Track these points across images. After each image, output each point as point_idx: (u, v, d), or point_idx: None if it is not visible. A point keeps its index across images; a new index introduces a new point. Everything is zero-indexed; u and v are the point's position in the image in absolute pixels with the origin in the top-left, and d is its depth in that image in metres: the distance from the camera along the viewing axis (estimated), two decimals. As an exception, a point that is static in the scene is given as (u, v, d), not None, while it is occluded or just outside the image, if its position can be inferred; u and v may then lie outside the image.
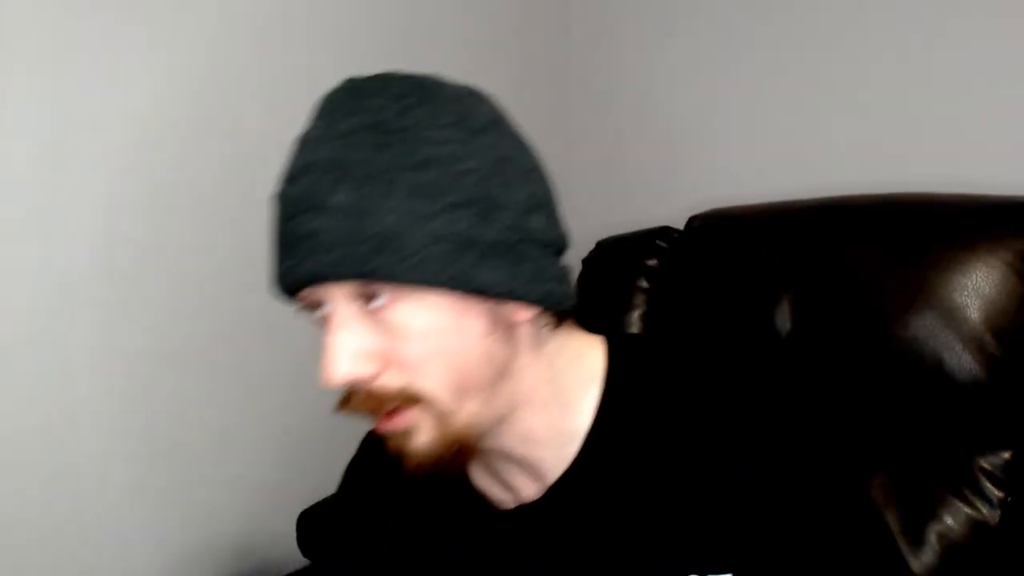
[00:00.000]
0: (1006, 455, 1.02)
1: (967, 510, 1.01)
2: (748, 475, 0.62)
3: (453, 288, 0.59)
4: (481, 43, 1.61)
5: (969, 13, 1.32)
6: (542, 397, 0.66)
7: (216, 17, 1.27)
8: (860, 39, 1.43)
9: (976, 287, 1.03)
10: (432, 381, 0.60)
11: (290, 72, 1.32)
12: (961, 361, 1.02)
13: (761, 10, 1.53)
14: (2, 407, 1.09)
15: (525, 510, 0.69)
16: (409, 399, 0.61)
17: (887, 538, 0.80)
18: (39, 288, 1.12)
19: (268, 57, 1.33)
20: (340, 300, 0.60)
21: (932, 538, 1.00)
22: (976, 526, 1.01)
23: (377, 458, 0.77)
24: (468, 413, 0.62)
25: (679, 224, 1.38)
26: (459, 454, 0.63)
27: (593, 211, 1.51)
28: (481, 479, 0.72)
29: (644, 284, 1.33)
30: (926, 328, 1.04)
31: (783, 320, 1.14)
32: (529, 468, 0.68)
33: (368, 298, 0.60)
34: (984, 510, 1.01)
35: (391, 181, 0.58)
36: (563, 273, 0.66)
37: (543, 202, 0.64)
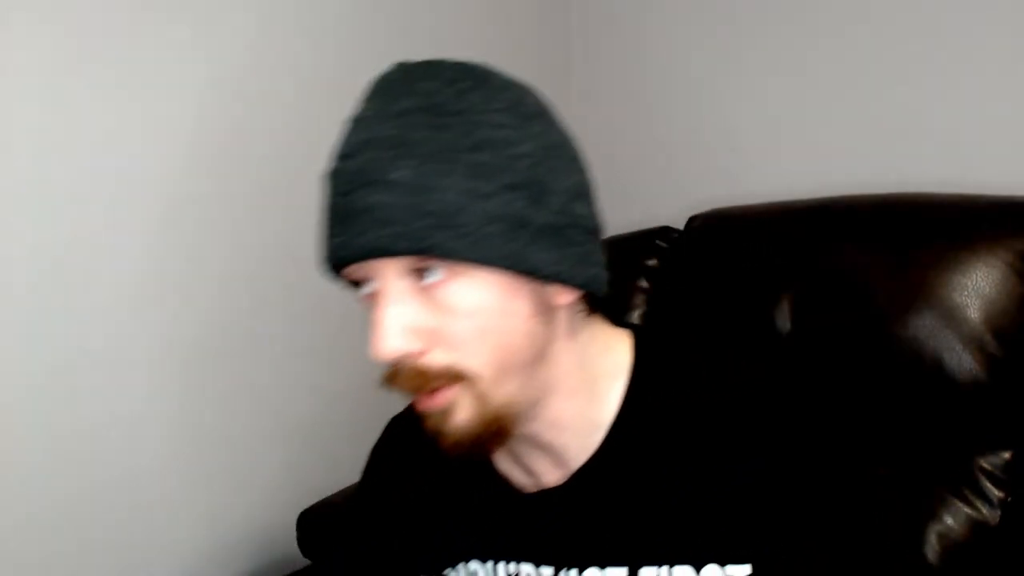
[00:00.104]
0: (1006, 455, 1.02)
1: (967, 510, 1.01)
2: (758, 468, 0.64)
3: (507, 267, 0.61)
4: (480, 43, 1.61)
5: (969, 13, 1.32)
6: (573, 384, 0.67)
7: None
8: (859, 39, 1.43)
9: (976, 287, 1.03)
10: (478, 360, 0.62)
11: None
12: (961, 361, 1.02)
13: (760, 11, 1.53)
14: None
15: (548, 494, 0.70)
16: (455, 377, 0.62)
17: (900, 529, 0.81)
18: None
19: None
20: (392, 275, 0.61)
21: (932, 538, 1.00)
22: (976, 526, 1.01)
23: (402, 440, 0.80)
24: (507, 393, 0.63)
25: (679, 224, 1.38)
26: (496, 434, 0.64)
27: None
28: (504, 463, 0.73)
29: (644, 284, 1.33)
30: (926, 328, 1.04)
31: (783, 320, 1.14)
32: (554, 454, 0.69)
33: (420, 274, 0.61)
34: (984, 510, 1.01)
35: (449, 160, 0.59)
36: (603, 260, 0.68)
37: (585, 190, 0.67)
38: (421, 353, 0.61)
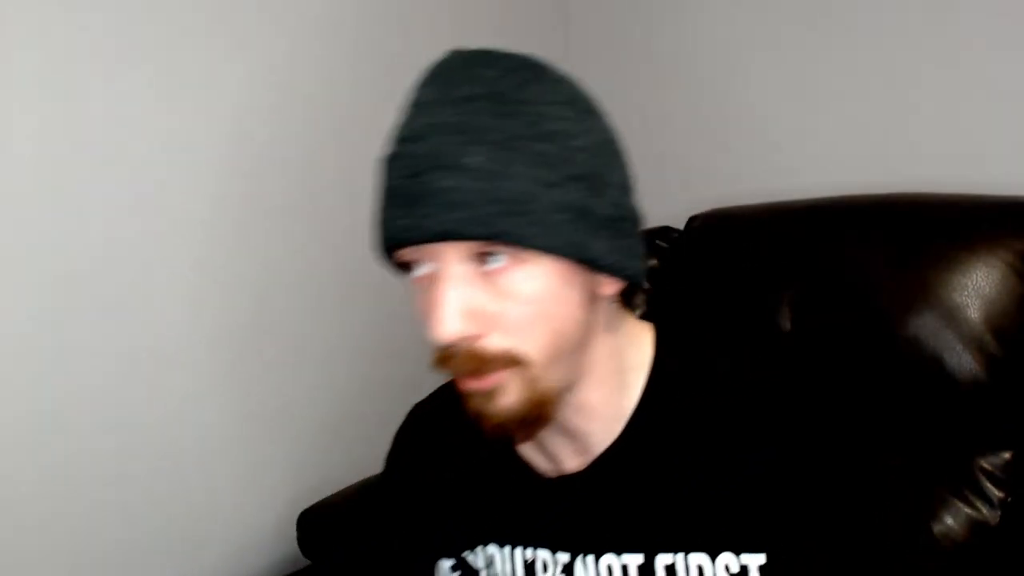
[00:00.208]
0: (1006, 455, 1.02)
1: (967, 510, 1.01)
2: (769, 458, 0.65)
3: (570, 255, 0.62)
4: (478, 42, 1.61)
5: (969, 13, 1.32)
6: (604, 373, 0.69)
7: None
8: (859, 39, 1.43)
9: (976, 287, 1.03)
10: (532, 345, 0.63)
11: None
12: (961, 361, 1.02)
13: (760, 11, 1.53)
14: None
15: (568, 479, 0.72)
16: (511, 361, 0.62)
17: (911, 516, 0.83)
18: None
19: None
20: (454, 259, 0.61)
21: (932, 538, 1.00)
22: (976, 526, 1.01)
23: (425, 427, 0.82)
24: (554, 379, 0.64)
25: (679, 224, 1.38)
26: (538, 418, 0.65)
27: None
28: (526, 448, 0.74)
29: (644, 284, 1.33)
30: (926, 328, 1.04)
31: (783, 320, 1.14)
32: (578, 441, 0.71)
33: (483, 259, 0.61)
34: (984, 510, 1.01)
35: (517, 149, 0.60)
36: (644, 254, 0.70)
37: (631, 184, 0.69)
38: (478, 337, 0.62)
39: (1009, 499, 1.01)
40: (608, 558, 0.69)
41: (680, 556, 0.67)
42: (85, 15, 1.13)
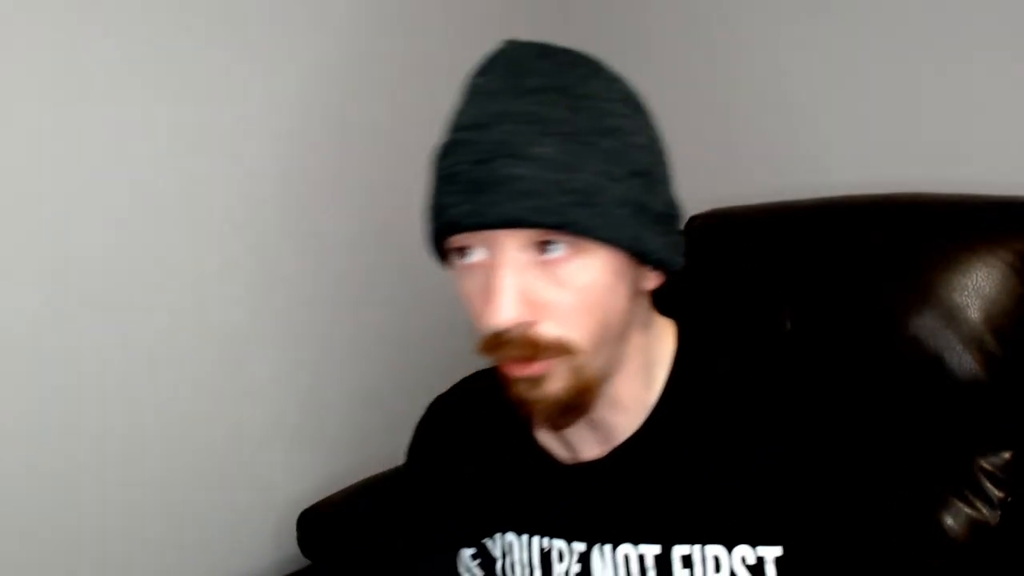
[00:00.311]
0: (1006, 455, 1.02)
1: (967, 510, 1.01)
2: (778, 451, 0.66)
3: (629, 248, 0.64)
4: (477, 42, 1.61)
5: (970, 13, 1.32)
6: (635, 366, 0.70)
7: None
8: (859, 39, 1.43)
9: (976, 287, 1.03)
10: (583, 333, 0.64)
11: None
12: (961, 361, 1.02)
13: (760, 11, 1.53)
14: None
15: (588, 466, 0.73)
16: (562, 349, 0.63)
17: (921, 509, 0.84)
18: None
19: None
20: (512, 247, 0.62)
21: (932, 538, 1.00)
22: (976, 526, 1.01)
23: (445, 418, 0.83)
24: (598, 367, 0.66)
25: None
26: (581, 405, 0.66)
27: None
28: (545, 436, 0.75)
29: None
30: (926, 328, 1.04)
31: (783, 320, 1.14)
32: (602, 431, 0.72)
33: (542, 248, 0.62)
34: (984, 510, 1.01)
35: (586, 143, 0.62)
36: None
37: (673, 182, 0.71)
38: (532, 323, 0.63)
39: (1009, 499, 1.01)
40: (625, 548, 0.70)
41: (697, 548, 0.68)
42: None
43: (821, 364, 0.85)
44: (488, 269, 0.63)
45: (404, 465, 0.87)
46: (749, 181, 1.53)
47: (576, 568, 0.72)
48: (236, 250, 1.31)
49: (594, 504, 0.72)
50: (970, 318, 1.02)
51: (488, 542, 0.77)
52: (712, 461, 0.68)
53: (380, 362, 1.49)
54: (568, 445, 0.74)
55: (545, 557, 0.73)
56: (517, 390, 0.66)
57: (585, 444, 0.73)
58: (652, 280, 0.69)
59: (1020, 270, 1.03)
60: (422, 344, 1.52)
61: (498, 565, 0.76)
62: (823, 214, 1.20)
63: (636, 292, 0.68)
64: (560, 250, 0.62)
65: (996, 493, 1.01)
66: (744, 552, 0.66)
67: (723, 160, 1.60)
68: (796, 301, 1.14)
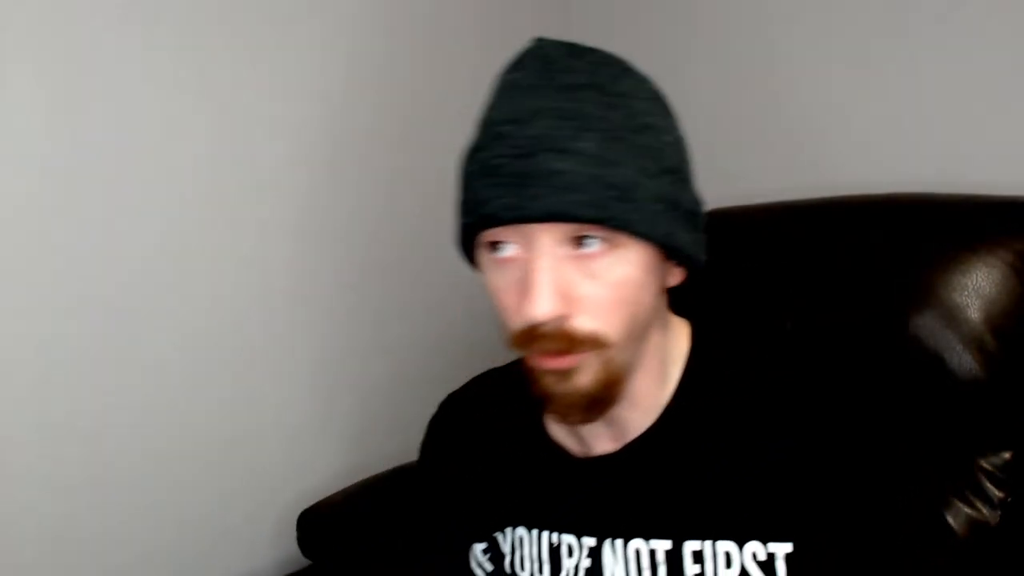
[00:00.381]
0: (1006, 455, 1.02)
1: (967, 510, 1.01)
2: (788, 447, 0.67)
3: (663, 243, 0.65)
4: (477, 43, 1.61)
5: (969, 13, 1.32)
6: (652, 363, 0.71)
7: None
8: (858, 39, 1.43)
9: (976, 287, 1.03)
10: (616, 327, 0.65)
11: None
12: (961, 361, 1.02)
13: (760, 11, 1.53)
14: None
15: (601, 459, 0.73)
16: (596, 343, 0.64)
17: (931, 505, 0.87)
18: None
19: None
20: (549, 241, 0.63)
21: (932, 538, 1.00)
22: (976, 526, 1.01)
23: (458, 415, 0.84)
24: (626, 361, 0.67)
25: (679, 224, 1.37)
26: (608, 398, 0.66)
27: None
28: (558, 431, 0.76)
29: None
30: (926, 328, 1.04)
31: (784, 320, 1.14)
32: (614, 427, 0.72)
33: (579, 242, 0.63)
34: (984, 510, 1.01)
35: (624, 139, 0.63)
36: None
37: (696, 181, 0.72)
38: (567, 317, 0.63)
39: (1009, 499, 1.01)
40: (636, 543, 0.70)
41: (708, 543, 0.68)
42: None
43: (829, 363, 0.85)
44: (523, 263, 0.63)
45: (417, 461, 0.87)
46: (749, 181, 1.53)
47: (586, 563, 0.72)
48: (240, 253, 1.31)
49: (606, 499, 0.72)
50: (970, 318, 1.02)
51: (499, 536, 0.77)
52: (724, 457, 0.69)
53: (380, 363, 1.49)
54: (581, 441, 0.74)
55: (554, 552, 0.74)
56: (545, 383, 0.66)
57: (598, 440, 0.73)
58: (675, 277, 0.70)
59: (1020, 270, 1.03)
60: (422, 346, 1.52)
61: (507, 560, 0.76)
62: (823, 214, 1.20)
63: (661, 290, 0.69)
64: (596, 244, 0.63)
65: (996, 493, 1.01)
66: (755, 548, 0.67)
67: (723, 160, 1.60)
68: (797, 301, 1.14)
